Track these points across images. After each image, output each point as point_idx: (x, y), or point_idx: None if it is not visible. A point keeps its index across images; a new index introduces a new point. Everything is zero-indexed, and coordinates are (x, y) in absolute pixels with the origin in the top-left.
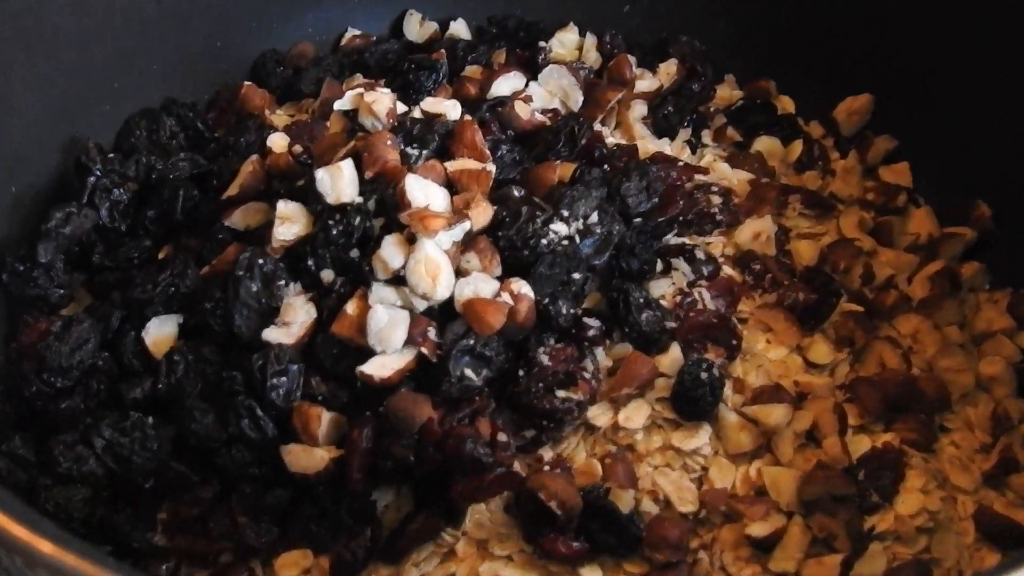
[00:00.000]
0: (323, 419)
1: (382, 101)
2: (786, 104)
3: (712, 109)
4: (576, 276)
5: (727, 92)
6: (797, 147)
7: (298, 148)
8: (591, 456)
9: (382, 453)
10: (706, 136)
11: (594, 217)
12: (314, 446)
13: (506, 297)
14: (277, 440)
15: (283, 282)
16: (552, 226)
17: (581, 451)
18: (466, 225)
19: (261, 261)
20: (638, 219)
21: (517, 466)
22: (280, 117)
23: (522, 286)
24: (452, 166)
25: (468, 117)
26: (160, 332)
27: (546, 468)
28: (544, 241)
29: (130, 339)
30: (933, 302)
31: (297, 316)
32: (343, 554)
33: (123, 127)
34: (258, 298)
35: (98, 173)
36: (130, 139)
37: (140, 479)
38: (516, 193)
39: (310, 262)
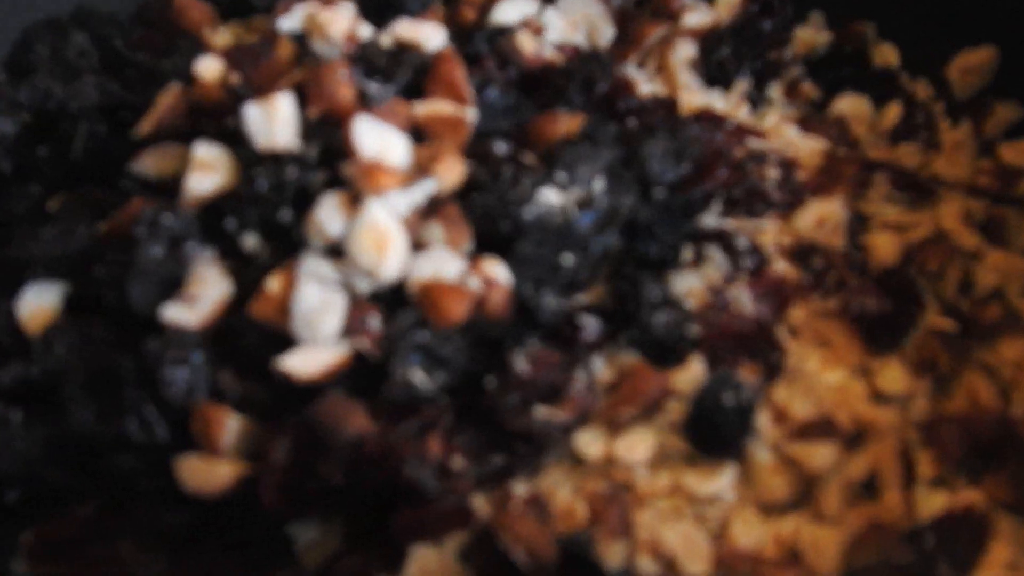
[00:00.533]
0: (230, 424)
1: (338, 21)
2: (887, 55)
3: (787, 56)
4: (568, 259)
5: (810, 35)
6: (894, 111)
7: (235, 78)
8: (577, 495)
9: (304, 472)
10: (774, 90)
11: (600, 184)
12: (216, 458)
13: (475, 281)
14: (171, 447)
15: (193, 246)
16: (543, 192)
17: (564, 487)
18: (429, 185)
19: (168, 219)
20: (661, 191)
21: (480, 501)
22: (222, 37)
23: (497, 268)
24: (421, 109)
25: (450, 47)
26: (38, 302)
27: (516, 506)
28: (530, 211)
29: (0, 310)
30: None
31: (207, 290)
32: None
33: (20, 40)
34: (161, 265)
35: None
36: (28, 56)
37: (2, 488)
38: (501, 148)
39: (230, 223)
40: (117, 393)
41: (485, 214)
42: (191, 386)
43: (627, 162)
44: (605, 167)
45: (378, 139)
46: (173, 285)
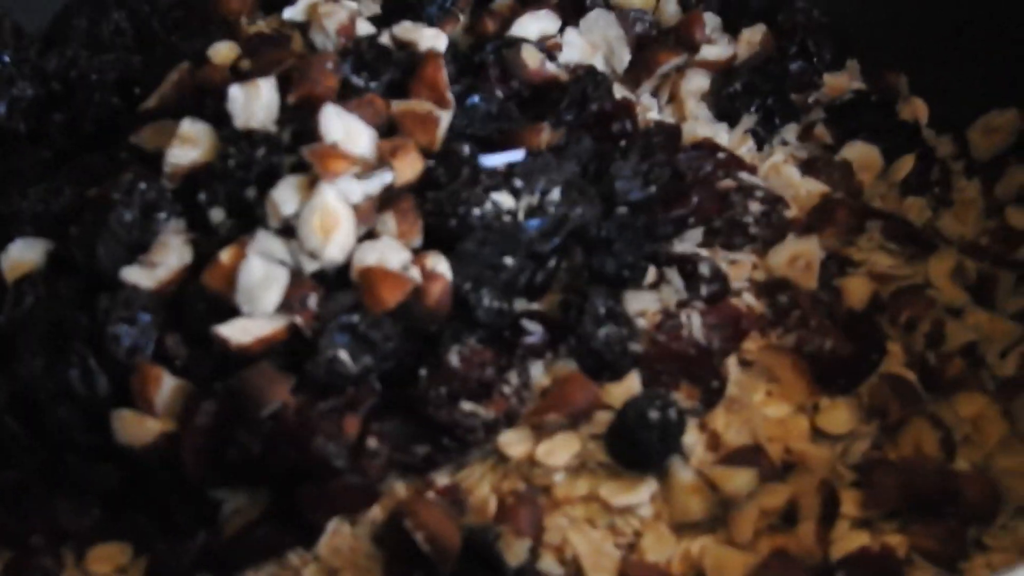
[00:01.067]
0: (164, 383)
1: (336, 15)
2: (916, 109)
3: (811, 100)
4: (508, 260)
5: (841, 82)
6: (907, 163)
7: (246, 63)
8: (494, 491)
9: (225, 439)
10: (790, 132)
11: (555, 194)
12: (148, 414)
13: (415, 272)
14: (109, 403)
15: (164, 215)
16: (495, 195)
17: (485, 484)
18: (386, 177)
19: (144, 186)
20: (625, 210)
21: (399, 486)
22: (256, 27)
23: (439, 262)
24: (398, 105)
25: (436, 50)
26: (21, 257)
27: (427, 494)
28: (478, 211)
29: None
30: (1018, 385)
31: (167, 257)
32: (166, 557)
33: (60, 12)
34: (130, 229)
35: (5, 59)
36: (65, 29)
37: None
38: (465, 150)
39: (201, 195)
40: (67, 345)
41: (437, 210)
42: (136, 344)
43: (597, 177)
44: (564, 179)
45: (343, 127)
46: (140, 250)
